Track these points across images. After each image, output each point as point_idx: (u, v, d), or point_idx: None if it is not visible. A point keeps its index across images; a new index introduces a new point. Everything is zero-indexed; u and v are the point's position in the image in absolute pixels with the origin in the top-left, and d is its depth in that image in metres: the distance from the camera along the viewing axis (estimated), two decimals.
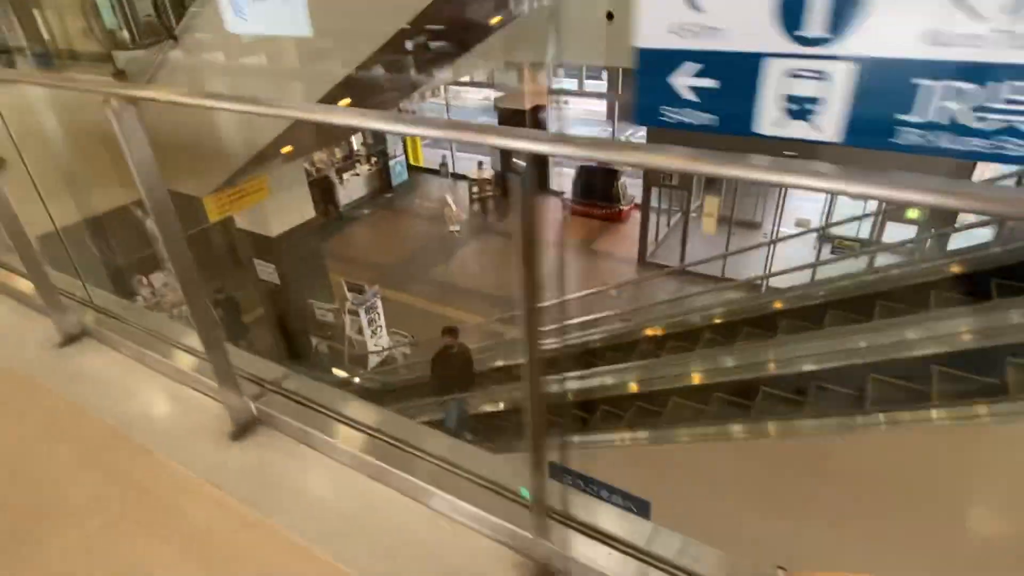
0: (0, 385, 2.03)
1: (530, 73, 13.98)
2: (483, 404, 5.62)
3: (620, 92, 16.00)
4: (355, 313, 8.64)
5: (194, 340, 1.97)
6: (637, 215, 12.16)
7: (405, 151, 15.16)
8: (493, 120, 14.87)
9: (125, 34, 4.85)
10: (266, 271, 8.71)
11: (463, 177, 14.65)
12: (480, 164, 13.71)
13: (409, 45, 3.82)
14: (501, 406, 5.54)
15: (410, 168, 15.34)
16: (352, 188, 14.18)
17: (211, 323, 1.61)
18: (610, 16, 2.13)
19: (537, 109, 14.25)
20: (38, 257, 2.05)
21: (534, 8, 4.16)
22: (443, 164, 15.19)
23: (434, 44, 4.48)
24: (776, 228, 10.37)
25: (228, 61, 4.43)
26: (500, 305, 10.61)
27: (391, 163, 14.79)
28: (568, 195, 13.48)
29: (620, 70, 16.37)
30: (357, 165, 14.42)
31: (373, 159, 14.68)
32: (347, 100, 4.42)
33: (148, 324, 2.13)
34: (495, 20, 4.49)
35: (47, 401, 1.91)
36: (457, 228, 13.08)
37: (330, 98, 4.00)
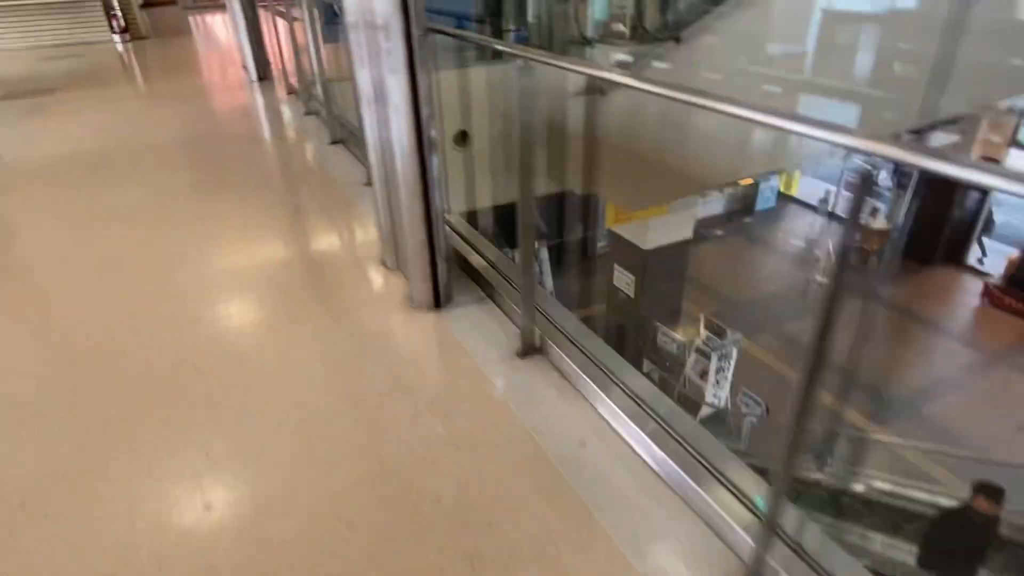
0: None
1: (988, 118, 10.81)
2: None
3: None
4: (705, 354, 7.67)
5: None
6: None
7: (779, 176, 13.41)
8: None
9: (619, 28, 4.50)
10: (623, 280, 8.35)
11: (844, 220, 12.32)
12: (875, 211, 11.25)
13: None
14: None
15: (780, 195, 13.56)
16: (710, 204, 13.09)
17: None
18: None
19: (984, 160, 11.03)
20: None
21: None
22: (823, 200, 12.96)
23: None
24: None
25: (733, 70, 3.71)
26: (873, 396, 8.49)
27: (762, 185, 13.21)
28: (998, 279, 10.22)
29: None
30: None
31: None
32: None
33: None
34: None
35: None
36: (826, 280, 11.01)
37: None
